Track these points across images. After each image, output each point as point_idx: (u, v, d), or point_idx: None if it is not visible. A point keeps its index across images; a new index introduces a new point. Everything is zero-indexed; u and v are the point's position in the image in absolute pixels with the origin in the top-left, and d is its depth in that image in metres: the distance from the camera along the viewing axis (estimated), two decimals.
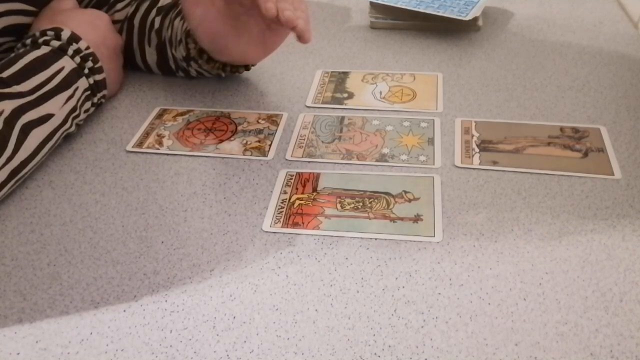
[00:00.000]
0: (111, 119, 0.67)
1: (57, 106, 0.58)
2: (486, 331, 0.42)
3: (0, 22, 0.62)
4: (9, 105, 0.53)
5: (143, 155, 0.61)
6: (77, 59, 0.61)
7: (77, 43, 0.62)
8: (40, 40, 0.61)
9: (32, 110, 0.55)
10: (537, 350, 0.41)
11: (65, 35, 0.61)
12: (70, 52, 0.61)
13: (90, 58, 0.63)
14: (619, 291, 0.45)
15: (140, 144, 0.62)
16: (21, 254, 0.50)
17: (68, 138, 0.63)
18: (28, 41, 0.61)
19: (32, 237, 0.51)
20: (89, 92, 0.63)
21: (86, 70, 0.62)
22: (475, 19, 0.80)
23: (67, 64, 0.60)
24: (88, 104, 0.63)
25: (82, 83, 0.61)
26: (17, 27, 0.63)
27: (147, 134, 0.64)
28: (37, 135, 0.55)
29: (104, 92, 0.65)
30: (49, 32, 0.61)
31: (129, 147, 0.62)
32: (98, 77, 0.64)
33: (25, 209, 0.55)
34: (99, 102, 0.65)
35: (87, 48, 0.62)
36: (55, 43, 0.61)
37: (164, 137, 0.63)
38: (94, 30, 0.65)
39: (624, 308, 0.43)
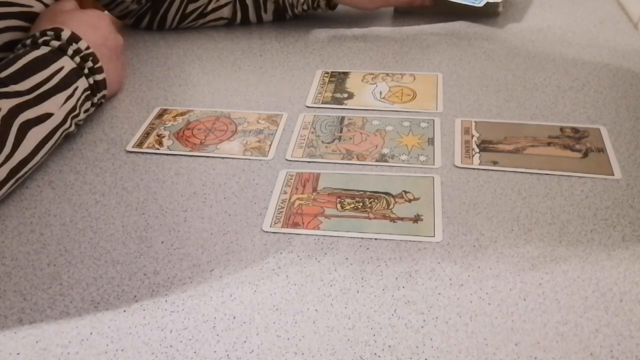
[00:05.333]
0: (111, 119, 0.67)
1: (56, 106, 0.58)
2: (486, 331, 0.42)
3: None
4: (6, 104, 0.53)
5: (143, 155, 0.61)
6: (77, 59, 0.61)
7: (76, 43, 0.62)
8: (40, 41, 0.61)
9: (31, 110, 0.55)
10: (537, 350, 0.41)
11: (65, 35, 0.61)
12: (70, 52, 0.61)
13: (90, 58, 0.62)
14: (619, 291, 0.45)
15: (140, 144, 0.62)
16: (21, 254, 0.50)
17: (68, 138, 0.63)
18: (28, 41, 0.61)
19: (32, 237, 0.51)
20: (88, 92, 0.63)
21: (86, 70, 0.62)
22: (496, 5, 0.80)
23: (66, 63, 0.60)
24: (88, 104, 0.63)
25: (82, 83, 0.61)
26: (16, 44, 0.63)
27: (147, 134, 0.64)
28: (36, 135, 0.55)
29: (104, 92, 0.65)
30: (48, 32, 0.61)
31: (129, 147, 0.62)
32: (98, 77, 0.64)
33: (25, 209, 0.55)
34: (99, 102, 0.65)
35: (87, 48, 0.62)
36: (55, 43, 0.61)
37: (164, 137, 0.63)
38: (95, 31, 0.65)
39: (624, 308, 0.43)
